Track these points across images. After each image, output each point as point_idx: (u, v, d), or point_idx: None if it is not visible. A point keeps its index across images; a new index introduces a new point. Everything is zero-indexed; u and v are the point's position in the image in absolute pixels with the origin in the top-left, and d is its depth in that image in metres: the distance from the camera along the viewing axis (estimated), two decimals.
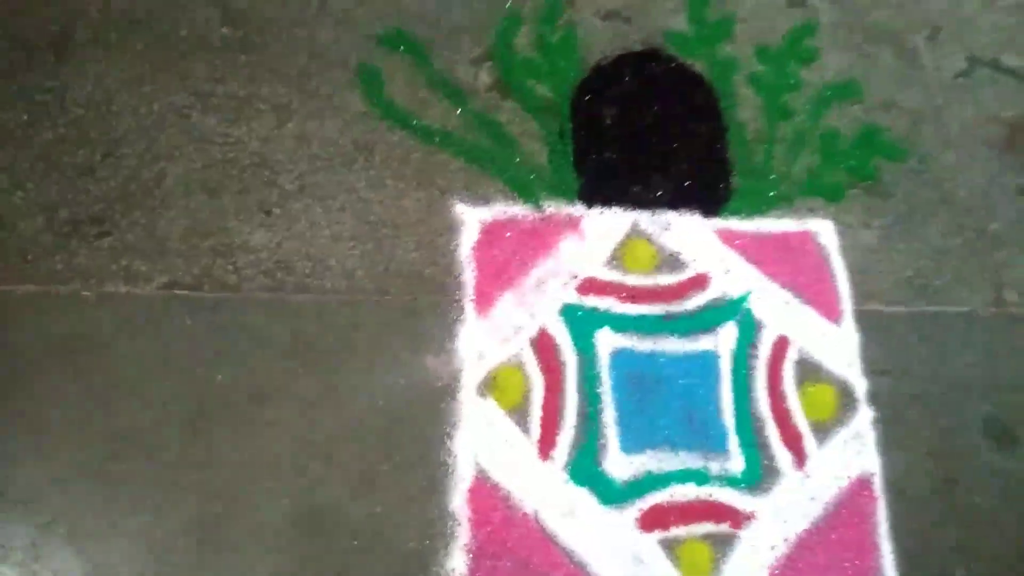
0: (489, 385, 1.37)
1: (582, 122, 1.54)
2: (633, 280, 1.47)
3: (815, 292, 1.51)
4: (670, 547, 1.33)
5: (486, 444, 1.34)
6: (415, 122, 1.52)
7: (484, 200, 1.50)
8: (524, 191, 1.50)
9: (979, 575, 1.42)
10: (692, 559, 1.34)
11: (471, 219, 1.47)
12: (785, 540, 1.35)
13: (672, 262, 1.50)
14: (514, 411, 1.37)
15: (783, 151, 1.64)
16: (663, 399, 1.40)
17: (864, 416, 1.45)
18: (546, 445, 1.35)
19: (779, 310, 1.48)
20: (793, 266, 1.53)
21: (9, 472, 1.21)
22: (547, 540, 1.30)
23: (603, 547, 1.31)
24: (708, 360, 1.44)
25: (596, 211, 1.50)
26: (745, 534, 1.35)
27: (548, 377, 1.39)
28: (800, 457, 1.40)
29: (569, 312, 1.43)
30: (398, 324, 1.39)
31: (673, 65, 1.71)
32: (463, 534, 1.28)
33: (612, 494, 1.34)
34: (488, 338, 1.40)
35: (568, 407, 1.38)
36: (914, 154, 1.74)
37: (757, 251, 1.53)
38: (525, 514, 1.31)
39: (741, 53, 1.77)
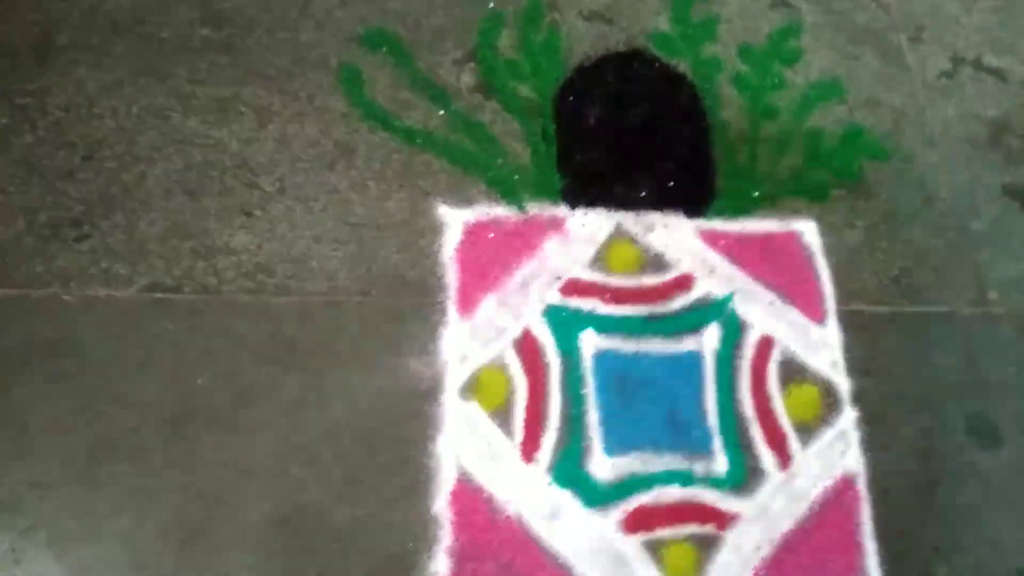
0: (472, 387, 1.36)
1: (565, 123, 1.54)
2: (617, 281, 1.47)
3: (799, 292, 1.51)
4: (654, 549, 1.32)
5: (469, 446, 1.33)
6: (397, 123, 1.52)
7: (467, 201, 1.49)
8: (507, 192, 1.50)
9: (962, 574, 1.42)
10: (677, 561, 1.33)
11: (454, 220, 1.47)
12: (770, 541, 1.35)
13: (656, 263, 1.49)
14: (497, 413, 1.36)
15: (767, 151, 1.64)
16: (647, 400, 1.40)
17: (848, 416, 1.45)
18: (529, 447, 1.34)
19: (763, 311, 1.48)
20: (777, 266, 1.53)
21: None
22: (531, 542, 1.29)
23: (587, 549, 1.30)
24: (692, 361, 1.44)
25: (580, 212, 1.50)
26: (730, 535, 1.34)
27: (532, 379, 1.38)
28: (784, 458, 1.40)
29: (553, 313, 1.42)
30: (381, 326, 1.38)
31: (656, 66, 1.71)
32: (446, 537, 1.27)
33: (596, 496, 1.33)
34: (471, 340, 1.39)
35: (552, 409, 1.37)
36: (898, 154, 1.74)
37: (741, 251, 1.52)
38: (508, 516, 1.30)
39: (725, 53, 1.77)
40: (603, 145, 1.53)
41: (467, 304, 1.41)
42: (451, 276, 1.43)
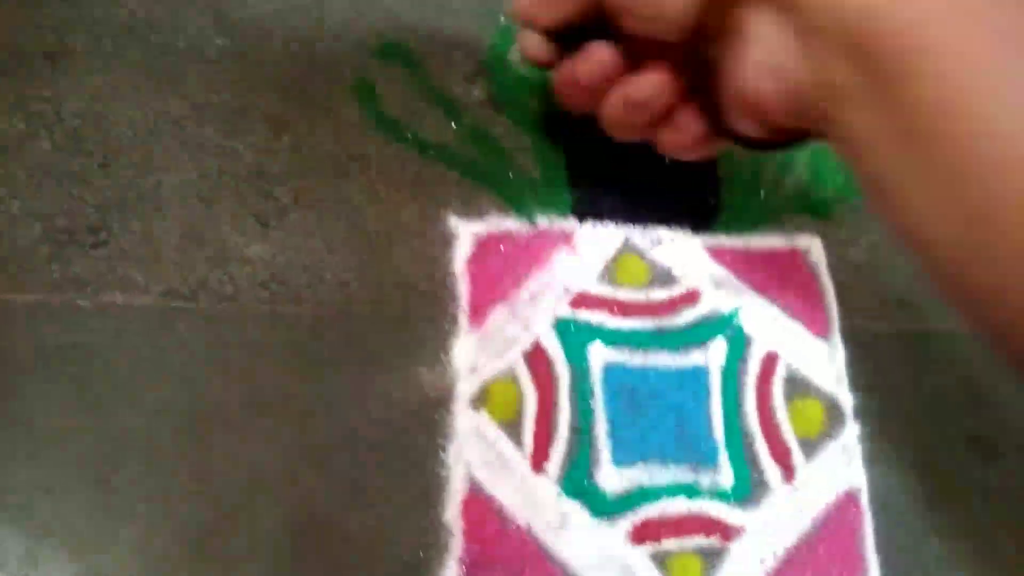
0: (482, 398, 1.37)
1: (575, 136, 1.55)
2: (625, 295, 1.48)
3: (803, 308, 1.52)
4: (661, 560, 1.33)
5: (479, 457, 1.33)
6: (410, 135, 1.53)
7: (478, 213, 1.49)
8: (518, 205, 1.51)
9: None
10: (683, 572, 1.34)
11: (465, 232, 1.48)
12: (774, 553, 1.36)
13: (663, 277, 1.50)
14: (507, 424, 1.36)
15: (772, 168, 1.65)
16: (654, 413, 1.41)
17: (851, 431, 1.46)
18: (539, 458, 1.35)
19: (768, 326, 1.49)
20: (782, 282, 1.54)
21: (4, 480, 1.20)
22: (539, 552, 1.30)
23: (595, 559, 1.30)
24: (699, 375, 1.45)
25: (589, 225, 1.51)
26: (735, 547, 1.36)
27: (541, 390, 1.39)
28: (789, 471, 1.41)
29: (562, 326, 1.43)
30: (392, 336, 1.39)
31: None
32: (456, 546, 1.28)
33: (604, 507, 1.34)
34: (481, 351, 1.40)
35: (561, 421, 1.38)
36: None
37: (747, 267, 1.53)
38: (518, 527, 1.31)
39: None
40: (612, 159, 1.54)
41: (478, 315, 1.42)
42: (462, 287, 1.43)
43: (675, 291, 1.49)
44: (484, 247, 1.47)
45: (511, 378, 1.39)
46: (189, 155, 1.44)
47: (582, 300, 1.45)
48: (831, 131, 1.02)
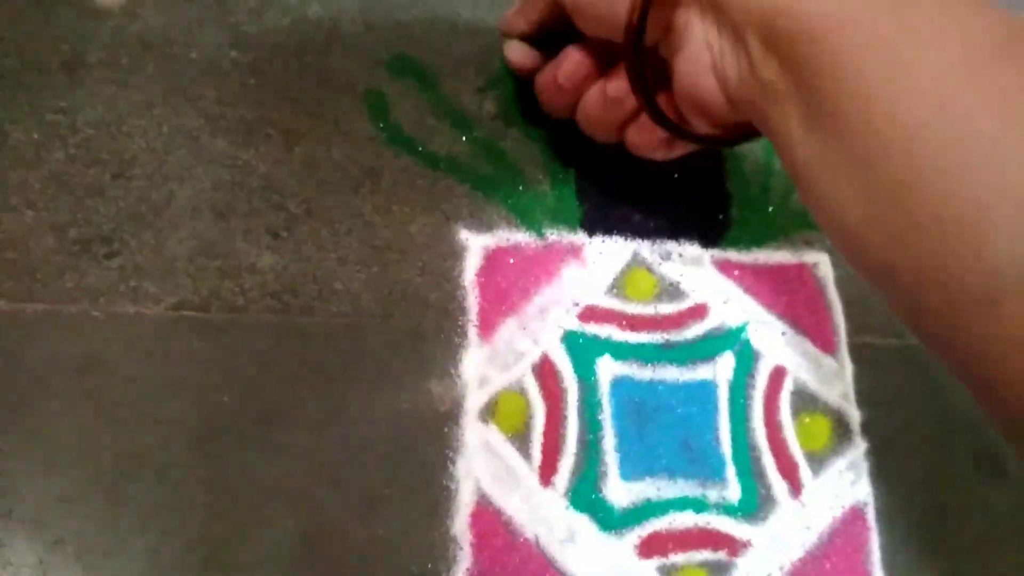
0: (491, 410, 1.38)
1: (585, 150, 1.56)
2: (633, 308, 1.48)
3: (811, 324, 1.53)
4: (668, 574, 1.33)
5: (488, 469, 1.34)
6: (421, 148, 1.54)
7: (488, 226, 1.50)
8: (527, 218, 1.52)
9: None
10: None
11: (475, 245, 1.48)
12: (780, 568, 1.36)
13: (672, 291, 1.51)
14: (516, 437, 1.37)
15: (781, 183, 1.66)
16: (662, 427, 1.41)
17: (858, 447, 1.46)
18: (547, 471, 1.36)
19: (776, 341, 1.50)
20: (790, 297, 1.54)
21: (17, 491, 1.21)
22: (547, 565, 1.30)
23: (603, 573, 1.31)
24: (706, 389, 1.45)
25: (598, 239, 1.52)
26: (742, 562, 1.36)
27: (549, 403, 1.40)
28: (796, 486, 1.42)
29: (571, 339, 1.44)
30: (403, 348, 1.40)
31: None
32: (465, 558, 1.29)
33: (612, 520, 1.35)
34: (490, 364, 1.41)
35: (569, 434, 1.38)
36: None
37: (755, 282, 1.54)
38: (526, 539, 1.32)
39: None
40: (621, 173, 1.55)
41: (487, 328, 1.43)
42: (471, 300, 1.44)
43: (683, 305, 1.49)
44: (494, 260, 1.48)
45: (520, 391, 1.39)
46: (202, 167, 1.45)
47: (591, 314, 1.46)
48: (762, 125, 1.04)
